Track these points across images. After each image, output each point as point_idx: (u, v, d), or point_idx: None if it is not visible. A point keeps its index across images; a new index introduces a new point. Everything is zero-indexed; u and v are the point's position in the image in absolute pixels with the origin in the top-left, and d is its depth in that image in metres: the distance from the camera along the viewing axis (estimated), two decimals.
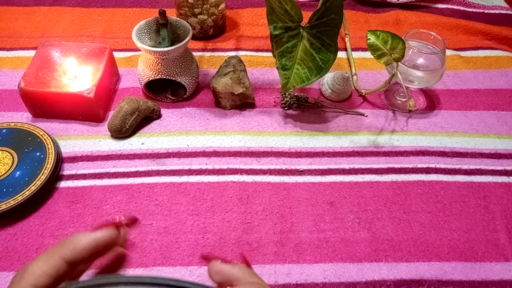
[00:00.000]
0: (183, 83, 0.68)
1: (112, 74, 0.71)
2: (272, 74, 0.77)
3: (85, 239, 0.28)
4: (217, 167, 0.62)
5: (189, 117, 0.69)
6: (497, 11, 0.94)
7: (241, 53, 0.80)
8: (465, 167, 0.64)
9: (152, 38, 0.69)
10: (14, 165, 0.58)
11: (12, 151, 0.59)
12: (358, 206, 0.58)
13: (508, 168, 0.64)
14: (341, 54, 0.81)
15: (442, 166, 0.64)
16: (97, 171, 0.61)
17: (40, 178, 0.56)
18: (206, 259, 0.32)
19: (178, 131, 0.67)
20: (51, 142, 0.60)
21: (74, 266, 0.28)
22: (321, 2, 0.58)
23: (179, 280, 0.25)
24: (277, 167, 0.62)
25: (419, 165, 0.63)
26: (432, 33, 0.68)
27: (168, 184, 0.60)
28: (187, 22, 0.70)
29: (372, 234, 0.55)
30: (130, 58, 0.78)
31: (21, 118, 0.67)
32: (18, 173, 0.57)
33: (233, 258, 0.52)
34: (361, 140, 0.67)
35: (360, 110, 0.71)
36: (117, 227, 0.30)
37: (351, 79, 0.74)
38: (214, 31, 0.83)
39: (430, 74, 0.66)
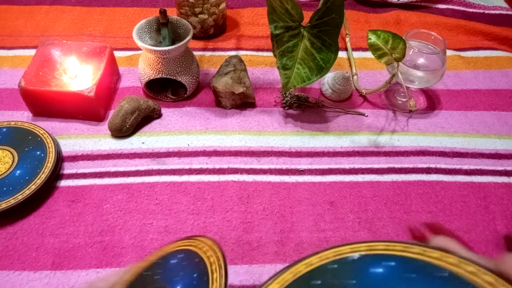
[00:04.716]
0: (183, 82, 0.68)
1: (112, 73, 0.71)
2: (273, 74, 0.77)
3: None
4: (217, 166, 0.62)
5: (190, 117, 0.69)
6: (497, 12, 0.94)
7: (241, 53, 0.80)
8: (465, 167, 0.64)
9: (152, 37, 0.69)
10: (14, 164, 0.58)
11: (12, 150, 0.59)
12: (359, 206, 0.58)
13: (509, 168, 0.64)
14: (341, 54, 0.81)
15: (443, 166, 0.64)
16: (97, 170, 0.61)
17: (40, 177, 0.56)
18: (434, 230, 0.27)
19: (179, 131, 0.66)
20: (52, 141, 0.60)
21: None
22: (322, 1, 0.58)
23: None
24: (278, 166, 0.62)
25: (420, 165, 0.63)
26: (433, 33, 0.68)
27: (169, 183, 0.60)
28: (188, 21, 0.70)
29: (372, 234, 0.55)
30: (131, 57, 0.78)
31: (22, 117, 0.67)
32: (18, 172, 0.57)
33: (234, 257, 0.52)
34: (362, 140, 0.67)
35: (361, 110, 0.71)
36: None
37: (351, 79, 0.74)
38: (214, 31, 0.83)
39: (431, 74, 0.66)
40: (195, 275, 0.27)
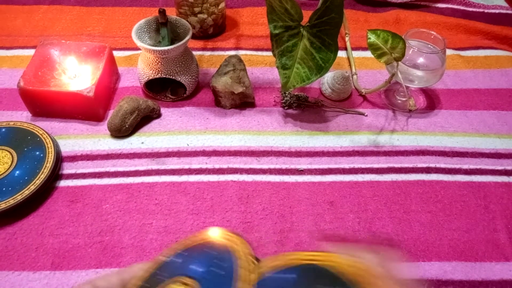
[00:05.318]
0: (183, 82, 0.68)
1: (111, 73, 0.71)
2: (272, 73, 0.77)
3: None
4: (217, 166, 0.62)
5: (189, 116, 0.69)
6: (497, 11, 0.94)
7: (241, 52, 0.80)
8: (465, 166, 0.64)
9: (152, 37, 0.68)
10: (14, 164, 0.58)
11: (11, 150, 0.59)
12: (358, 206, 0.58)
13: (508, 168, 0.64)
14: (341, 54, 0.81)
15: (442, 165, 0.64)
16: (96, 170, 0.61)
17: (39, 177, 0.56)
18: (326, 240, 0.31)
19: (178, 130, 0.66)
20: (51, 141, 0.60)
21: None
22: (322, 1, 0.58)
23: None
24: (277, 166, 0.62)
25: (419, 165, 0.63)
26: (432, 32, 0.68)
27: (168, 183, 0.60)
28: (187, 21, 0.70)
29: (372, 234, 0.55)
30: (130, 57, 0.78)
31: (21, 117, 0.67)
32: (17, 172, 0.57)
33: None
34: (361, 140, 0.67)
35: (360, 110, 0.71)
36: None
37: (351, 78, 0.74)
38: (214, 30, 0.83)
39: (430, 73, 0.66)
40: (214, 253, 0.27)
